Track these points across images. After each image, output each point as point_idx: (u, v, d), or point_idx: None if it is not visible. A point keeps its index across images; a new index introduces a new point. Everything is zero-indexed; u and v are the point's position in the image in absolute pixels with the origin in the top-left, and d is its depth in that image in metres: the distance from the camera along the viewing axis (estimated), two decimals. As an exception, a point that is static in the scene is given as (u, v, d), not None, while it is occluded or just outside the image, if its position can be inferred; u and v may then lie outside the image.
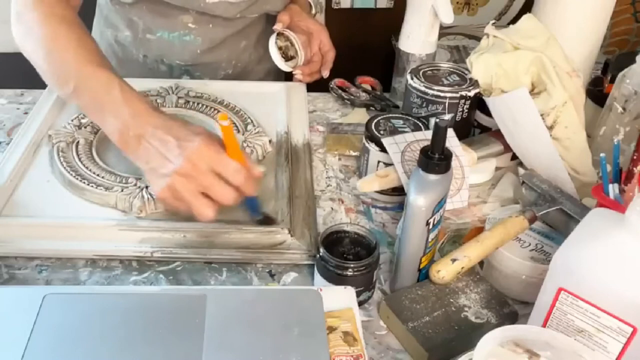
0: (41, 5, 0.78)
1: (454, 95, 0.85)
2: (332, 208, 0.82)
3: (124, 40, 1.07)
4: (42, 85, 1.01)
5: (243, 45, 1.10)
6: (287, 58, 1.03)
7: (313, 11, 1.14)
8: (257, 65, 1.15)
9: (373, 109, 1.03)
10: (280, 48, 1.02)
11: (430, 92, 0.85)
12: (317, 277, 0.67)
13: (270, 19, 1.14)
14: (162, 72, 1.08)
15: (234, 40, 1.08)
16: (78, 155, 0.82)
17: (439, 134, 0.60)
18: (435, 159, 0.61)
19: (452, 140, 0.79)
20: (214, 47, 1.07)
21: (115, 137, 0.70)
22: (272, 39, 1.01)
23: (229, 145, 0.65)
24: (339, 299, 0.61)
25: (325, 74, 1.06)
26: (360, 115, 1.02)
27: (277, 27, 1.01)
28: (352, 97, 1.05)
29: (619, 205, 0.66)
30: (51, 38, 0.76)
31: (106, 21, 1.08)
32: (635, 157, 0.69)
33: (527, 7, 1.14)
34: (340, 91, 1.07)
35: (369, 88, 1.08)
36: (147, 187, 0.76)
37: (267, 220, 0.74)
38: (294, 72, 1.03)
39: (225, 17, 1.02)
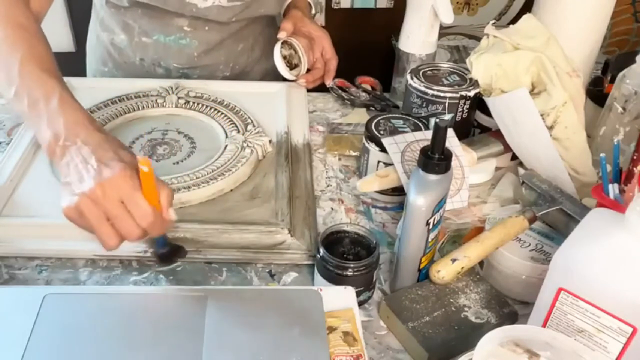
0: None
1: (454, 95, 0.85)
2: (332, 208, 0.82)
3: (120, 43, 1.07)
4: (42, 85, 1.01)
5: (240, 47, 1.10)
6: (291, 66, 1.04)
7: (313, 11, 1.14)
8: (255, 66, 1.15)
9: (373, 109, 1.03)
10: (284, 57, 1.03)
11: (430, 92, 0.85)
12: (317, 277, 0.67)
13: (270, 20, 1.14)
14: (159, 75, 1.08)
15: (231, 43, 1.08)
16: (78, 155, 0.82)
17: (439, 134, 0.60)
18: (435, 159, 0.61)
19: (452, 140, 0.79)
20: (210, 50, 1.07)
21: (45, 144, 0.67)
22: (277, 48, 1.01)
23: (145, 186, 0.61)
24: (339, 299, 0.61)
25: (328, 82, 1.06)
26: (360, 115, 1.02)
27: (281, 35, 1.01)
28: (352, 97, 1.05)
29: (619, 205, 0.66)
30: (2, 40, 0.74)
31: (102, 24, 1.08)
32: (635, 157, 0.69)
33: (527, 7, 1.14)
34: (340, 91, 1.07)
35: (369, 88, 1.08)
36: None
37: (170, 254, 0.70)
38: (298, 81, 1.04)
39: (220, 21, 1.02)
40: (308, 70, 1.05)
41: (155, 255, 0.70)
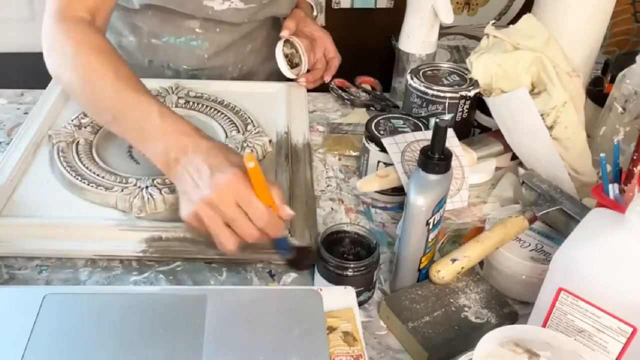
0: (72, 37, 0.78)
1: (454, 95, 0.85)
2: (332, 208, 0.82)
3: (127, 45, 1.07)
4: (42, 85, 1.01)
5: (249, 48, 1.10)
6: (292, 65, 1.04)
7: (314, 13, 1.14)
8: (261, 67, 1.15)
9: (373, 109, 1.03)
10: (286, 55, 1.03)
11: (430, 92, 0.85)
12: (317, 277, 0.67)
13: (275, 21, 1.14)
14: (168, 77, 1.07)
15: (241, 44, 1.08)
16: (78, 155, 0.82)
17: (439, 134, 0.60)
18: (435, 159, 0.61)
19: (452, 140, 0.79)
20: (220, 52, 1.07)
21: (159, 161, 0.70)
22: (279, 47, 1.01)
23: (256, 185, 0.63)
24: (339, 299, 0.61)
25: (327, 79, 1.06)
26: (360, 115, 1.02)
27: (284, 34, 1.01)
28: (352, 97, 1.05)
29: (619, 205, 0.66)
30: (86, 68, 0.75)
31: (109, 27, 1.08)
32: (635, 157, 0.69)
33: (527, 7, 1.14)
34: (340, 91, 1.07)
35: (369, 88, 1.08)
36: (147, 187, 0.76)
37: (298, 257, 0.70)
38: (298, 80, 1.04)
39: (233, 22, 1.02)
40: (308, 71, 1.05)
41: (285, 260, 0.71)
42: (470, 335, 0.61)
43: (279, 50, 1.01)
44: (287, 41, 1.03)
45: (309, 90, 1.05)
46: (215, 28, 1.03)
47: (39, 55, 1.12)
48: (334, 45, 1.07)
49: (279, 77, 1.12)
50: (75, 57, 0.76)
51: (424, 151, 0.62)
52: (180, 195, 0.68)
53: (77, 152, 0.83)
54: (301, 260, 0.71)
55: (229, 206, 0.64)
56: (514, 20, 0.87)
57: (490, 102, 0.82)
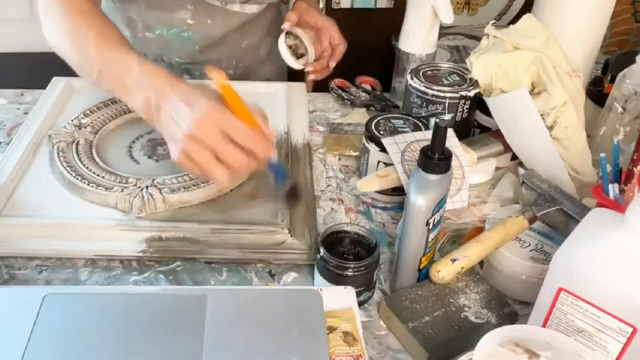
0: (62, 2, 0.82)
1: (454, 95, 0.85)
2: (332, 208, 0.82)
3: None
4: (42, 85, 1.01)
5: (244, 45, 1.10)
6: (297, 56, 1.03)
7: (320, 5, 1.14)
8: (261, 67, 1.15)
9: (373, 109, 1.03)
10: (290, 47, 1.02)
11: (430, 92, 0.85)
12: (317, 277, 0.67)
13: (273, 21, 1.14)
14: None
15: (234, 39, 1.08)
16: (78, 155, 0.82)
17: (439, 134, 0.60)
18: (435, 159, 0.61)
19: (452, 140, 0.79)
20: (213, 45, 1.07)
21: (142, 111, 0.72)
22: (282, 38, 1.01)
23: (235, 109, 0.64)
24: (339, 299, 0.61)
25: (332, 64, 1.05)
26: (360, 115, 1.02)
27: (285, 26, 1.01)
28: (352, 97, 1.05)
29: (619, 205, 0.66)
30: (74, 31, 0.80)
31: None
32: (635, 157, 0.69)
33: (527, 7, 1.14)
34: (340, 91, 1.07)
35: (369, 88, 1.08)
36: (147, 187, 0.76)
37: (293, 193, 0.72)
38: (305, 70, 1.03)
39: (226, 6, 1.01)
40: (315, 61, 1.05)
41: (279, 197, 0.72)
42: (470, 335, 0.61)
43: (282, 42, 1.00)
44: (290, 33, 1.02)
45: (308, 91, 1.05)
46: (206, 20, 1.03)
47: (39, 55, 1.13)
48: (339, 32, 1.06)
49: (280, 79, 1.12)
50: (64, 22, 0.81)
51: (424, 151, 0.62)
52: (167, 142, 0.70)
53: (77, 152, 0.83)
54: (295, 194, 0.72)
55: (212, 135, 0.65)
56: (514, 20, 0.87)
57: (490, 102, 0.82)
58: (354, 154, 0.92)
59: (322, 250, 0.65)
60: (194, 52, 1.07)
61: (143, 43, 1.06)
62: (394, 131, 0.82)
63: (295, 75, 1.10)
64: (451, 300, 0.65)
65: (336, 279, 0.65)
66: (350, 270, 0.64)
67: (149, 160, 0.84)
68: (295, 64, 1.02)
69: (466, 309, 0.65)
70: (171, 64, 1.08)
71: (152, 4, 1.02)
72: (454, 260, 0.65)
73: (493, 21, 0.88)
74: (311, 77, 1.03)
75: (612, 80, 0.88)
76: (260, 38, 1.12)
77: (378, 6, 1.86)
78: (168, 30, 1.04)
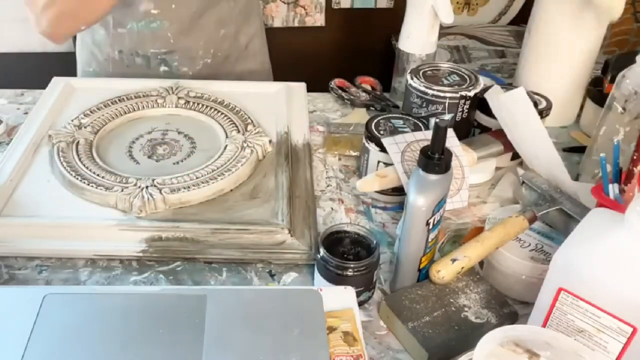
0: None
1: (454, 95, 0.85)
2: (332, 208, 0.82)
3: (100, 39, 1.08)
4: (42, 85, 1.01)
5: (222, 34, 1.09)
6: None
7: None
8: (243, 59, 1.14)
9: (373, 109, 1.03)
10: None
11: (430, 92, 0.85)
12: (317, 277, 0.67)
13: (250, 5, 1.13)
14: (139, 65, 1.07)
15: (209, 26, 1.07)
16: (78, 155, 0.82)
17: (439, 134, 0.60)
18: (435, 159, 0.61)
19: (452, 140, 0.79)
20: (187, 31, 1.05)
21: None
22: None
23: None
24: (339, 299, 0.61)
25: None
26: (360, 115, 1.02)
27: None
28: (352, 97, 1.05)
29: (619, 205, 0.66)
30: None
31: None
32: (635, 157, 0.69)
33: (527, 7, 1.14)
34: (340, 91, 1.07)
35: (369, 88, 1.08)
36: (147, 187, 0.76)
37: None
38: None
39: None
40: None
41: None
42: (470, 335, 0.61)
43: None
44: None
45: (308, 90, 1.05)
46: (170, 5, 1.03)
47: (39, 55, 1.13)
48: None
49: (264, 73, 1.12)
50: None
51: (424, 151, 0.62)
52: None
53: (77, 152, 0.83)
54: None
55: None
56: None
57: (490, 102, 0.82)
58: (354, 154, 0.92)
59: (322, 250, 0.65)
60: (168, 40, 1.06)
61: (117, 39, 1.06)
62: (394, 131, 0.82)
63: (294, 75, 1.10)
64: (451, 300, 0.65)
65: (336, 279, 0.65)
66: (350, 270, 0.64)
67: (149, 160, 0.84)
68: None
69: (466, 309, 0.65)
70: (147, 56, 1.07)
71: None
72: (454, 260, 0.65)
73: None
74: None
75: (612, 80, 0.88)
76: (237, 26, 1.11)
77: (378, 6, 1.86)
78: (137, 23, 1.04)
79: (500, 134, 0.83)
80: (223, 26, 1.09)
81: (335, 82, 1.08)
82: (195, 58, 1.09)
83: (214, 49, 1.10)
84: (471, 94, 0.85)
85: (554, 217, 0.72)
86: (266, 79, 1.19)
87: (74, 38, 1.17)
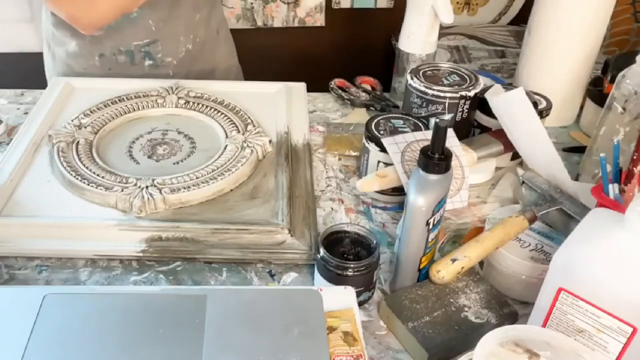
0: None
1: (454, 95, 0.85)
2: (332, 208, 0.82)
3: (74, 50, 1.05)
4: (42, 85, 1.01)
5: (197, 18, 1.09)
6: None
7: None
8: (216, 46, 1.14)
9: (373, 109, 1.03)
10: None
11: (430, 92, 0.85)
12: (317, 277, 0.67)
13: None
14: (123, 64, 1.06)
15: (187, 11, 1.06)
16: (78, 155, 0.82)
17: (439, 134, 0.60)
18: (435, 159, 0.61)
19: (452, 140, 0.79)
20: (167, 18, 1.04)
21: None
22: None
23: None
24: (339, 299, 0.61)
25: None
26: (360, 115, 1.02)
27: None
28: (352, 97, 1.05)
29: (619, 205, 0.66)
30: None
31: (54, 39, 1.07)
32: (635, 157, 0.69)
33: (527, 7, 1.14)
34: (340, 91, 1.07)
35: (369, 88, 1.08)
36: (147, 187, 0.76)
37: None
38: None
39: None
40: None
41: None
42: (470, 335, 0.61)
43: None
44: None
45: (308, 90, 1.05)
46: None
47: (39, 55, 1.13)
48: None
49: (232, 60, 1.12)
50: None
51: (424, 151, 0.62)
52: None
53: (77, 152, 0.83)
54: None
55: None
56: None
57: (490, 102, 0.82)
58: (354, 154, 0.92)
59: (322, 250, 0.65)
60: (150, 28, 1.04)
61: (95, 44, 1.04)
62: (394, 131, 0.82)
63: (294, 75, 1.10)
64: (451, 300, 0.65)
65: (336, 279, 0.65)
66: (350, 270, 0.64)
67: (149, 160, 0.84)
68: None
69: (466, 309, 0.65)
70: (131, 51, 1.05)
71: None
72: (454, 260, 0.65)
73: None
74: None
75: (612, 80, 0.88)
76: (208, 10, 1.11)
77: (378, 6, 1.86)
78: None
79: (500, 134, 0.83)
80: (198, 10, 1.08)
81: (335, 82, 1.08)
82: (177, 45, 1.07)
83: (193, 35, 1.09)
84: (471, 94, 0.85)
85: (554, 217, 0.72)
86: (236, 66, 1.21)
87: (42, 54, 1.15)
